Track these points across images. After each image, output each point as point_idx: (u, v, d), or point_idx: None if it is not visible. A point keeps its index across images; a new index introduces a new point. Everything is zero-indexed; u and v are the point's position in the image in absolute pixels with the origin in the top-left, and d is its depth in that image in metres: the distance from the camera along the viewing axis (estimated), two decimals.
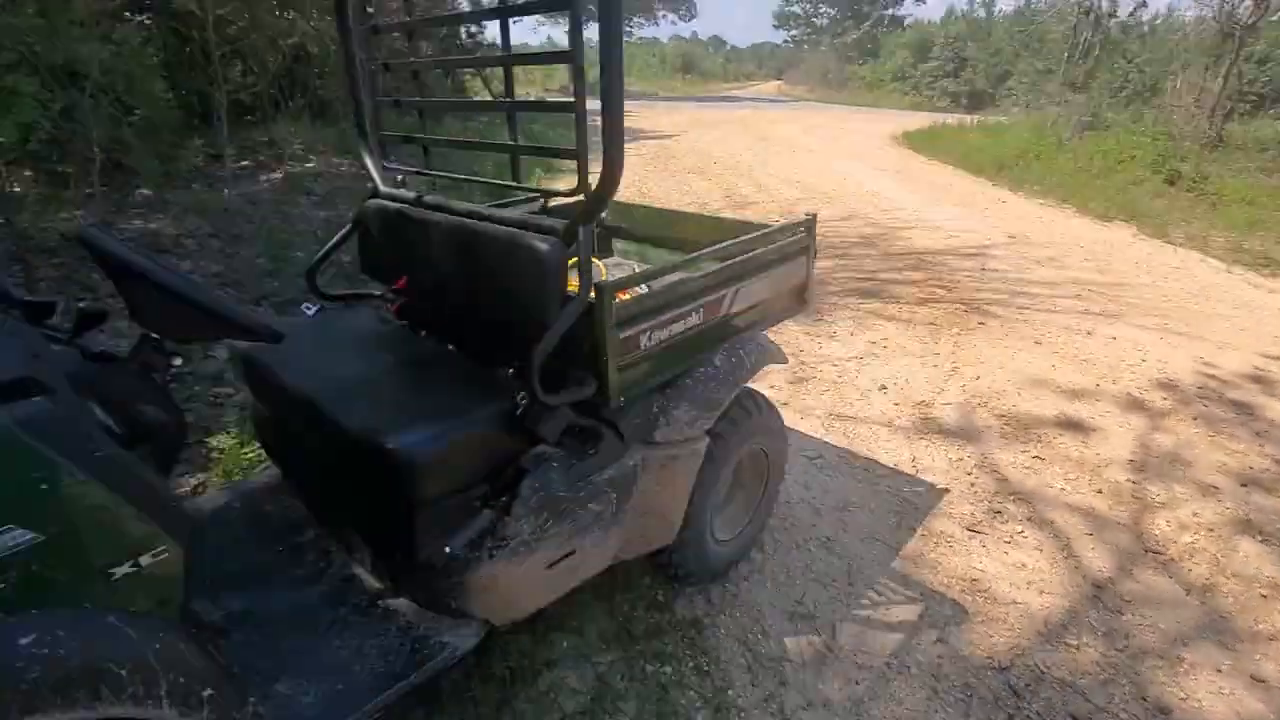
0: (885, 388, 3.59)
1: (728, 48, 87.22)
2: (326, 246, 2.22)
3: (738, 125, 16.99)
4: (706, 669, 1.92)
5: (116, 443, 1.03)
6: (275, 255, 5.26)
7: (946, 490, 2.75)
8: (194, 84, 7.72)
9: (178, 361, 1.28)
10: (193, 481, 2.70)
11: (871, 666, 1.95)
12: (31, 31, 4.48)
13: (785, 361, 2.14)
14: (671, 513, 1.85)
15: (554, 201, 2.38)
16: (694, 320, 1.79)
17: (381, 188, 2.11)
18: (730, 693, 1.86)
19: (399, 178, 2.14)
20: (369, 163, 2.14)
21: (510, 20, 1.61)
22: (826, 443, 3.07)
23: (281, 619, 1.56)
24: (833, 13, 44.44)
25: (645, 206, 2.69)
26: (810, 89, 38.79)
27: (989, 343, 4.16)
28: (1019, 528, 2.55)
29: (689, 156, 11.44)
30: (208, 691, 0.99)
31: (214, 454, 2.83)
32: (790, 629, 2.07)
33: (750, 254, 1.95)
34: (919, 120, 16.60)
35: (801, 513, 2.59)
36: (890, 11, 42.06)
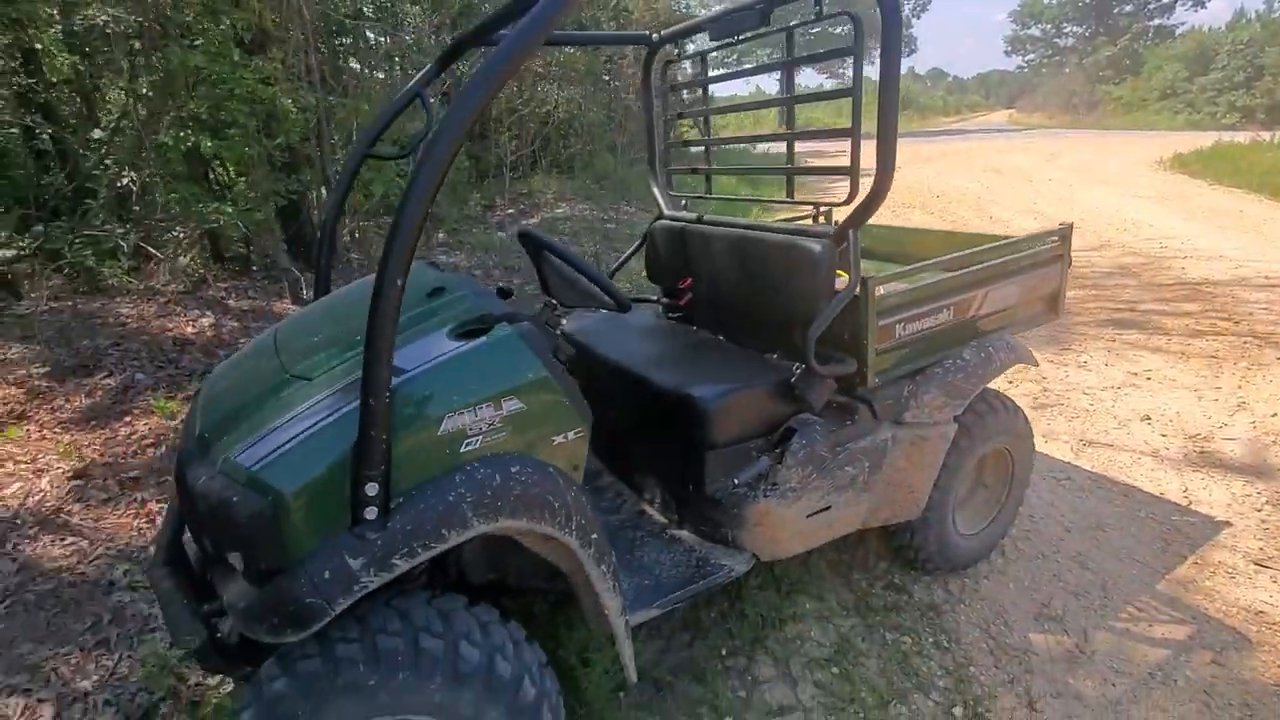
0: (1149, 419, 3.31)
1: (949, 79, 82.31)
2: (622, 258, 2.79)
3: (961, 158, 16.06)
4: (946, 646, 2.04)
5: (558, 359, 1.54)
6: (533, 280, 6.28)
7: (1228, 524, 2.51)
8: (473, 149, 9.44)
9: (565, 323, 1.81)
10: None
11: (1130, 674, 1.91)
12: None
13: (1035, 364, 2.21)
14: (917, 489, 2.03)
15: (804, 222, 2.71)
16: (945, 317, 1.99)
17: (666, 211, 2.61)
18: (972, 669, 1.96)
19: (683, 202, 2.63)
20: (656, 192, 2.67)
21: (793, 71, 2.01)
22: (1076, 466, 2.95)
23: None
24: (1080, 30, 39.97)
25: (882, 226, 2.91)
26: (1049, 115, 35.14)
27: None
28: None
29: (909, 191, 11.15)
30: (594, 535, 1.44)
31: None
32: (1036, 627, 2.10)
33: (1001, 259, 2.10)
34: (1196, 140, 14.30)
35: (1048, 528, 2.56)
36: (1156, 22, 36.74)
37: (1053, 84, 40.74)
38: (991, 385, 2.25)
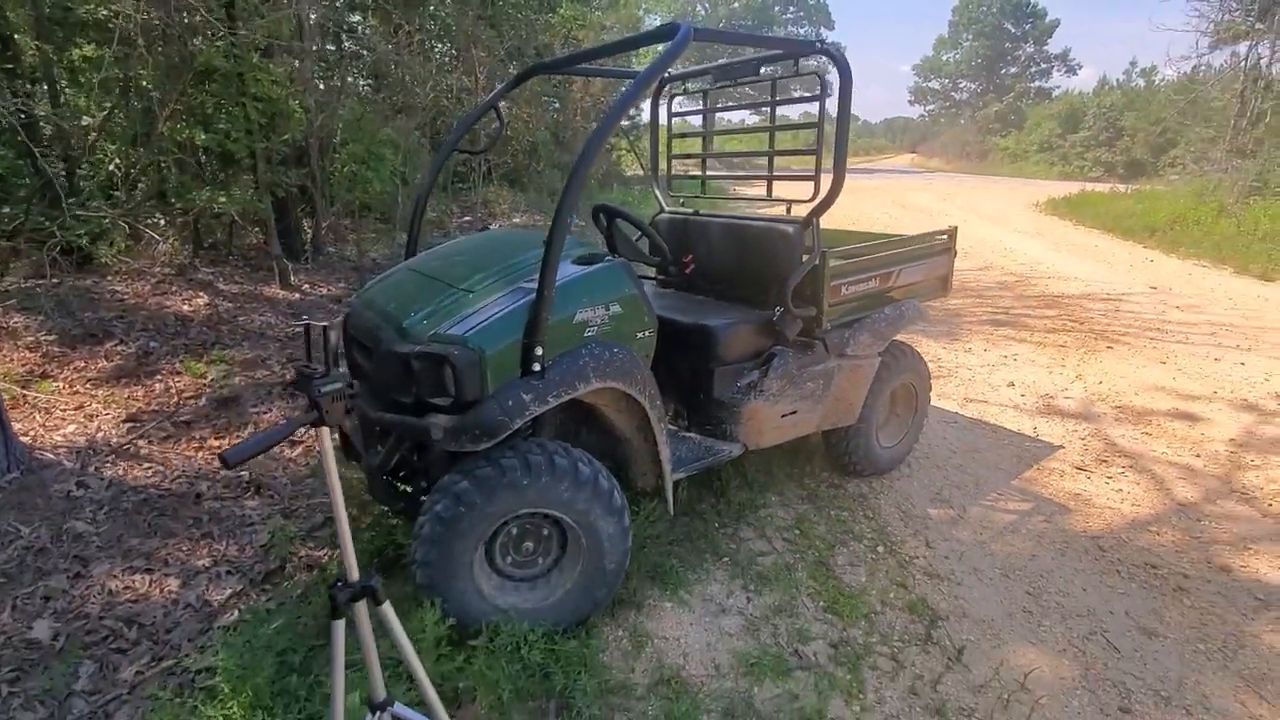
0: (1013, 384, 4.36)
1: (859, 123, 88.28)
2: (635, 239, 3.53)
3: (871, 194, 17.88)
4: (871, 517, 2.88)
5: None
6: None
7: (1061, 447, 3.51)
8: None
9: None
10: None
11: (990, 528, 2.81)
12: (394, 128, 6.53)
13: (928, 321, 3.13)
14: (855, 402, 2.87)
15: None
16: (874, 284, 2.86)
17: (665, 208, 3.39)
18: (889, 528, 2.80)
19: (680, 200, 3.42)
20: (657, 192, 3.45)
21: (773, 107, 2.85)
22: (960, 414, 3.92)
23: None
24: (973, 87, 44.51)
25: (837, 229, 3.80)
26: (946, 161, 38.81)
27: (1114, 360, 4.78)
28: (1121, 470, 3.27)
29: (827, 219, 12.46)
30: (658, 401, 2.16)
31: None
32: (931, 505, 2.98)
33: (909, 248, 3.01)
34: (1066, 189, 16.65)
35: (940, 450, 3.48)
36: (1036, 84, 41.50)
37: (950, 133, 44.99)
38: (904, 340, 3.15)
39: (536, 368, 1.88)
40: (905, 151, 57.79)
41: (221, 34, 4.88)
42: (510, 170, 12.84)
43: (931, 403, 3.93)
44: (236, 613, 2.27)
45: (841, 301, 2.76)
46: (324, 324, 1.40)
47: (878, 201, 15.61)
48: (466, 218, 10.79)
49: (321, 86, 6.17)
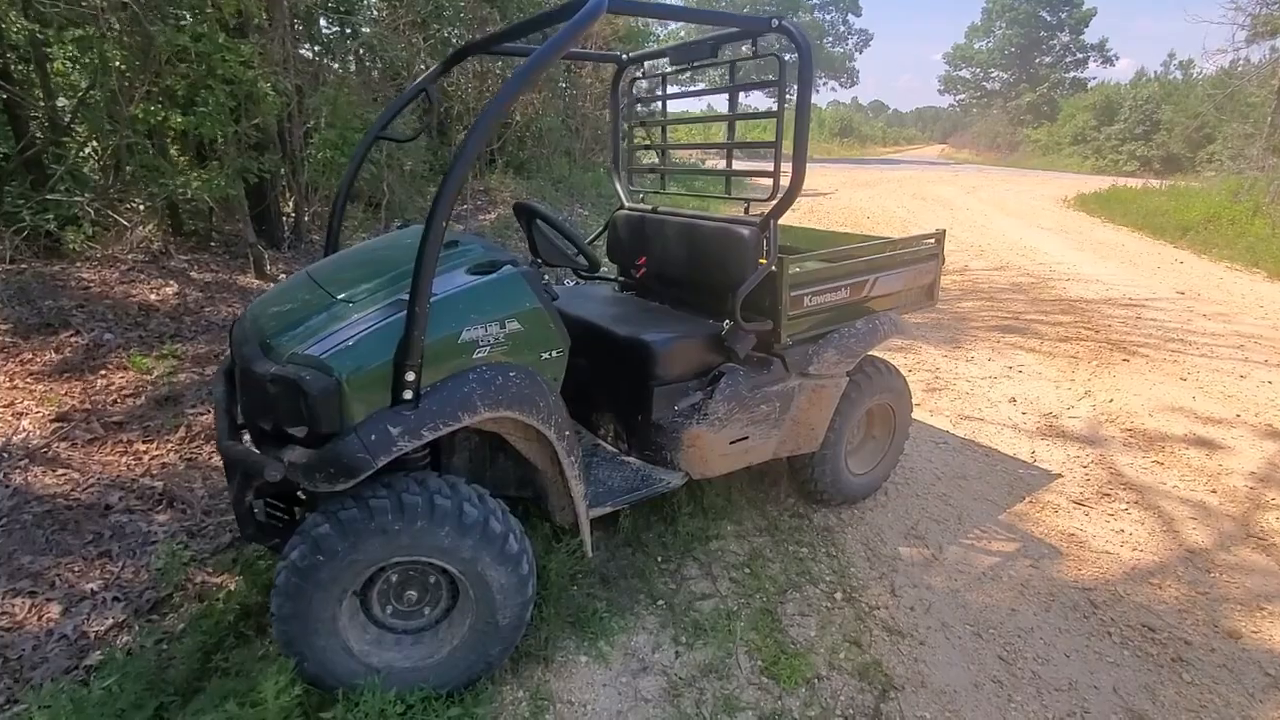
0: (1015, 400, 4.00)
1: (889, 111, 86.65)
2: (591, 238, 3.25)
3: (893, 185, 17.31)
4: (834, 555, 2.57)
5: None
6: None
7: (1060, 476, 3.17)
8: (433, 145, 9.70)
9: (545, 277, 2.25)
10: None
11: (969, 573, 2.49)
12: (364, 105, 6.29)
13: (913, 337, 2.80)
14: (817, 427, 2.56)
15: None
16: (844, 294, 2.54)
17: (626, 203, 3.10)
18: (852, 569, 2.49)
19: (640, 196, 3.12)
20: (618, 187, 3.15)
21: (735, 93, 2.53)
22: (952, 434, 3.58)
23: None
24: (1005, 76, 43.13)
25: (806, 228, 3.48)
26: (976, 152, 37.74)
27: (1129, 375, 4.39)
28: (1125, 507, 2.92)
29: (842, 212, 12.06)
30: (568, 432, 1.88)
31: None
32: (904, 542, 2.66)
33: (887, 254, 2.67)
34: (1097, 184, 15.93)
35: (923, 475, 3.15)
36: (1071, 74, 40.07)
37: (980, 124, 43.74)
38: (883, 356, 2.83)
39: (408, 395, 1.61)
40: (935, 142, 56.53)
41: (184, 13, 4.66)
42: (515, 157, 12.56)
43: (923, 419, 3.61)
44: (100, 652, 2.04)
45: (804, 314, 2.45)
46: None
47: (897, 194, 15.08)
48: (465, 205, 10.57)
49: (300, 65, 5.92)
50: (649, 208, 2.94)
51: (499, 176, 11.36)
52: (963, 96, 48.39)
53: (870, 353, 2.66)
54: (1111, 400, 4.00)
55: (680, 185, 9.63)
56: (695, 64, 2.55)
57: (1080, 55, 40.53)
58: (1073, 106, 32.15)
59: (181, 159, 5.76)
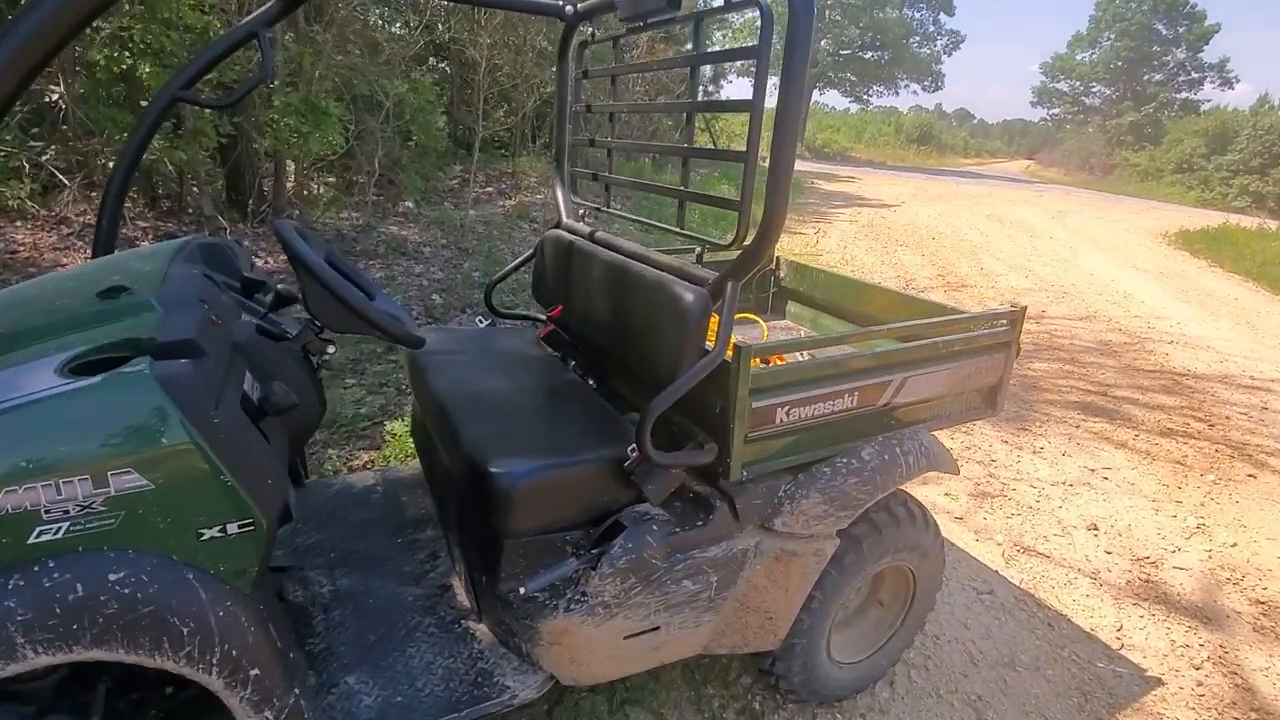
0: (1097, 528, 2.93)
1: (974, 121, 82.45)
2: (507, 268, 2.37)
3: (968, 201, 15.76)
4: None
5: (250, 413, 1.12)
6: (488, 271, 5.83)
7: (1160, 682, 2.12)
8: (468, 120, 8.94)
9: (331, 350, 1.40)
10: (366, 457, 3.01)
11: None
12: (346, 68, 5.54)
13: (955, 471, 1.81)
14: (778, 615, 1.62)
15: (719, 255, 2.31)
16: (846, 403, 1.58)
17: (565, 219, 2.20)
18: None
19: (580, 212, 2.21)
20: (559, 194, 2.26)
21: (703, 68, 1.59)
22: (1003, 578, 2.56)
23: (377, 610, 1.62)
24: (1108, 92, 39.81)
25: (828, 271, 2.51)
26: (1065, 172, 35.03)
27: (1258, 503, 3.24)
28: None
29: (905, 229, 10.80)
30: (254, 671, 1.02)
31: (389, 436, 3.13)
32: None
33: (931, 340, 1.69)
34: (1204, 219, 14.07)
35: (952, 656, 2.16)
36: (1183, 95, 36.64)
37: (1073, 141, 40.63)
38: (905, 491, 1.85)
39: None
40: (1021, 157, 53.27)
41: None
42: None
43: (965, 545, 2.62)
44: None
45: (774, 434, 1.51)
46: None
47: (971, 213, 13.61)
48: (489, 188, 9.82)
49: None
50: (586, 231, 2.04)
51: (530, 159, 10.56)
52: (1057, 111, 45.05)
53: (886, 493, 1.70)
54: (1234, 545, 2.88)
55: (633, 202, 8.37)
56: (651, 21, 1.62)
57: (1196, 75, 36.91)
58: (1181, 130, 29.26)
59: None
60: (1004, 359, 1.88)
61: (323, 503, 2.04)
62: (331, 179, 7.20)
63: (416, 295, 5.18)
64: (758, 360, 1.44)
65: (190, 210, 5.75)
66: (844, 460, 1.60)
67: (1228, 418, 4.21)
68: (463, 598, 1.68)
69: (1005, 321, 1.85)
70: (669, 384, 1.35)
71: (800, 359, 1.64)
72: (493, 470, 1.34)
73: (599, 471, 1.43)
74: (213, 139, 4.87)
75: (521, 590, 1.33)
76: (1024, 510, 3.04)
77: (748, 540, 1.54)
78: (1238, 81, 37.96)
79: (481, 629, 1.58)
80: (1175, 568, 2.71)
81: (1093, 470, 3.44)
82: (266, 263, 5.32)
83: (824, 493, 1.56)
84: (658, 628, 1.48)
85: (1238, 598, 2.55)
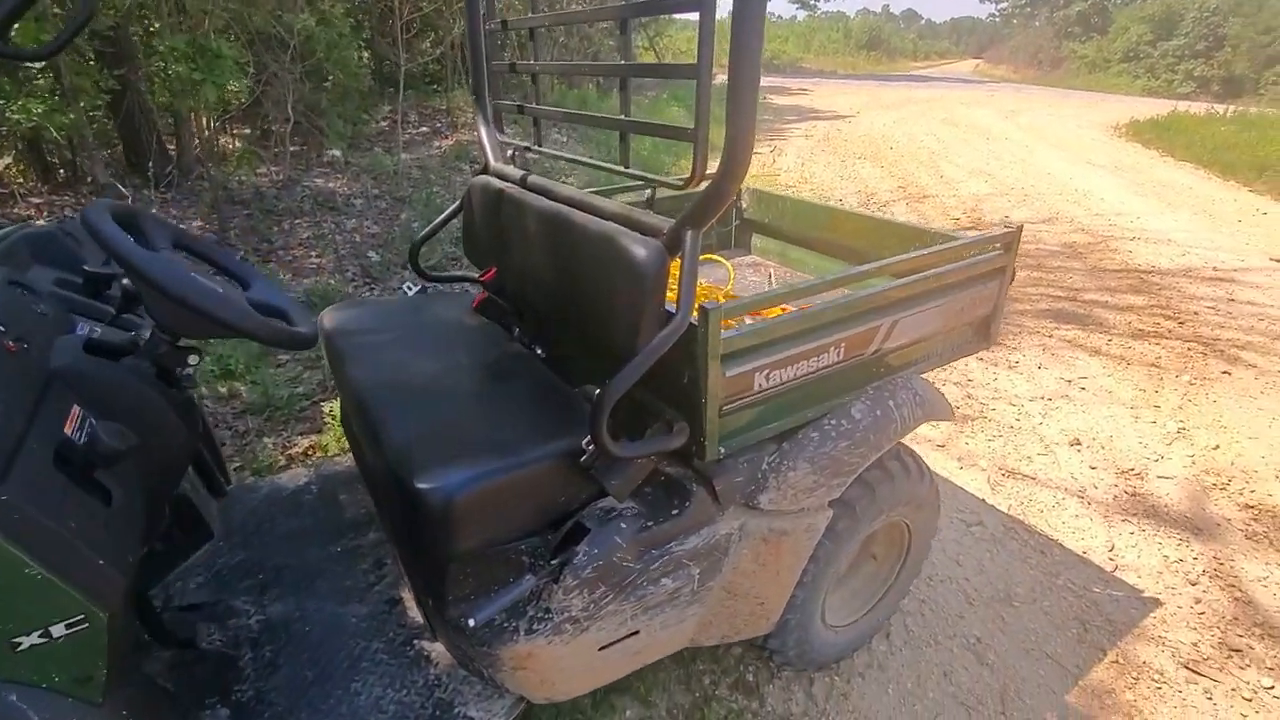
0: (1079, 443, 2.86)
1: (922, 22, 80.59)
2: (433, 224, 2.06)
3: (922, 106, 15.40)
4: None
5: (76, 465, 0.86)
6: (428, 220, 5.40)
7: (1158, 602, 2.07)
8: (393, 53, 8.15)
9: (194, 361, 1.12)
10: (305, 443, 2.74)
11: None
12: (239, 1, 4.88)
13: (950, 417, 1.64)
14: (770, 599, 1.46)
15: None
16: (832, 357, 1.37)
17: (493, 163, 1.88)
18: None
19: (509, 153, 1.90)
20: (483, 134, 1.93)
21: None
22: (991, 506, 2.47)
23: (315, 639, 1.41)
24: None
25: (797, 199, 2.26)
26: (1014, 69, 34.61)
27: (1236, 400, 3.21)
28: (1268, 680, 1.84)
29: (862, 140, 10.48)
30: None
31: (329, 418, 2.86)
32: None
33: (924, 274, 1.48)
34: (1153, 108, 14.00)
35: (947, 597, 2.07)
36: None
37: (1021, 36, 40.00)
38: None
39: None
40: (969, 57, 52.46)
41: None
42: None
43: (949, 473, 2.52)
44: None
45: (753, 402, 1.30)
46: None
47: (926, 118, 13.29)
48: (423, 128, 9.12)
49: None
50: (517, 175, 1.74)
51: (465, 93, 9.80)
52: (1005, 5, 44.14)
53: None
54: (1217, 447, 2.85)
55: (579, 135, 7.41)
56: None
57: None
58: (1127, 18, 28.90)
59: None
60: (998, 286, 1.68)
61: (248, 512, 1.79)
62: (247, 131, 6.55)
63: (350, 253, 4.77)
64: (729, 321, 1.21)
65: (90, 180, 5.15)
66: (832, 422, 1.41)
67: (1196, 313, 4.17)
68: (414, 612, 1.48)
69: (999, 246, 1.65)
70: (626, 355, 1.12)
71: (779, 314, 1.41)
72: (420, 486, 1.11)
73: (551, 469, 1.21)
74: (95, 95, 4.27)
75: (470, 622, 1.13)
76: (1005, 431, 2.95)
77: (731, 524, 1.35)
78: None
79: (438, 648, 1.39)
80: (1160, 477, 2.66)
81: (1069, 381, 3.36)
82: (184, 227, 4.82)
83: (813, 461, 1.37)
84: (636, 632, 1.31)
85: (1226, 504, 2.51)
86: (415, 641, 1.41)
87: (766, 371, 1.27)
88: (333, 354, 1.66)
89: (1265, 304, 4.35)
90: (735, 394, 1.24)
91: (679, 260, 1.13)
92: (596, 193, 1.95)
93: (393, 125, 8.09)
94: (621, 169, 1.38)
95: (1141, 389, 3.29)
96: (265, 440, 2.72)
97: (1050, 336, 3.85)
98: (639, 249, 1.18)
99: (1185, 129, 11.48)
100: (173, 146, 5.55)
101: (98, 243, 0.94)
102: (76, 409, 0.90)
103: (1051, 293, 4.51)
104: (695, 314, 1.14)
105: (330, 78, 6.83)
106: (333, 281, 4.12)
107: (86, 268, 1.25)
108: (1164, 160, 9.78)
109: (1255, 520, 2.42)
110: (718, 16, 1.06)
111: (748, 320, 1.34)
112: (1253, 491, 2.56)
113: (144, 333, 1.08)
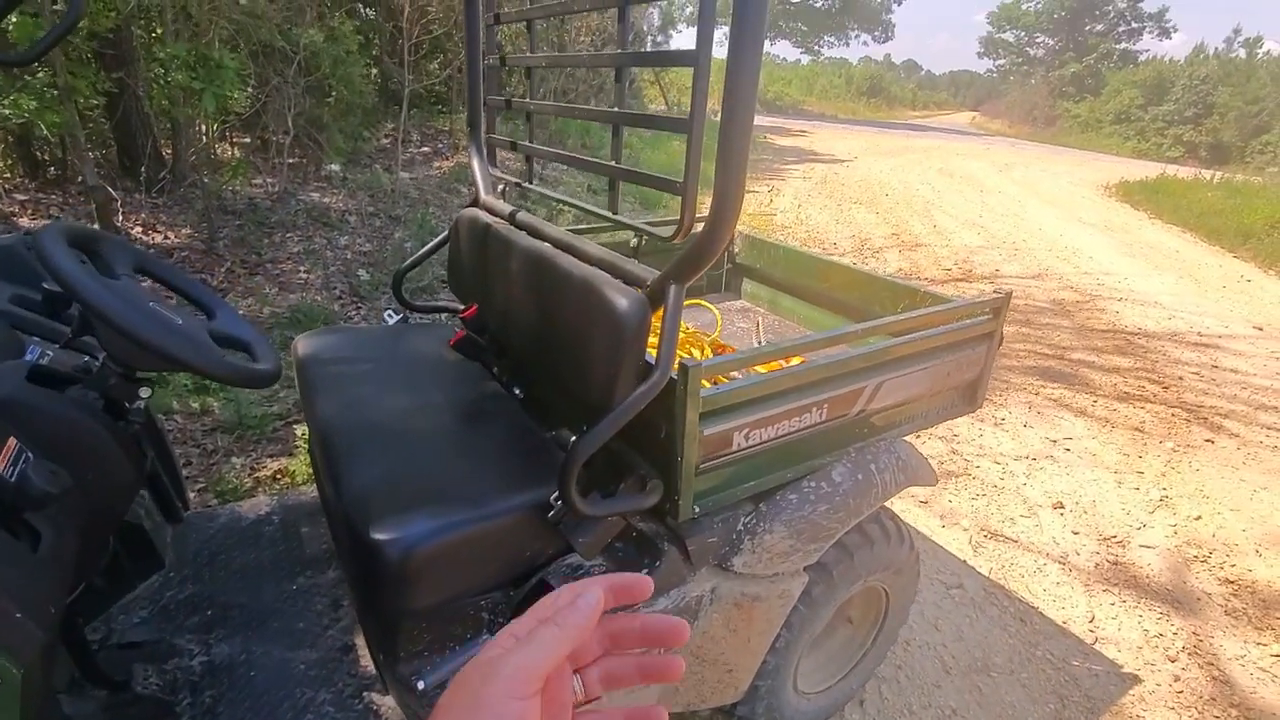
0: (1063, 506, 2.84)
1: (922, 73, 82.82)
2: (417, 255, 2.04)
3: (919, 155, 15.71)
4: None
5: (14, 504, 0.81)
6: (422, 241, 5.39)
7: (1136, 679, 2.02)
8: (398, 72, 8.22)
9: (145, 394, 1.07)
10: (274, 466, 2.66)
11: None
12: (245, 12, 4.91)
13: (933, 483, 1.61)
14: (740, 666, 1.41)
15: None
16: (814, 417, 1.34)
17: (483, 196, 1.87)
18: None
19: (500, 187, 1.88)
20: (475, 166, 1.92)
21: (630, 16, 1.26)
22: (972, 568, 2.43)
23: (260, 686, 1.33)
24: (1051, 43, 40.22)
25: (789, 247, 2.25)
26: (1009, 124, 35.47)
27: (1218, 470, 3.20)
28: None
29: (859, 185, 10.64)
30: None
31: (301, 440, 2.79)
32: None
33: (911, 337, 1.46)
34: (1142, 169, 14.36)
35: (924, 664, 2.01)
36: (1123, 45, 37.29)
37: (1017, 93, 41.13)
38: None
39: None
40: (967, 109, 53.80)
41: None
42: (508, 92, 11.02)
43: (931, 533, 2.47)
44: None
45: (732, 460, 1.26)
46: None
47: (922, 167, 13.54)
48: (425, 147, 9.17)
49: None
50: (505, 211, 1.72)
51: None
52: (1003, 62, 45.45)
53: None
54: (1199, 517, 2.83)
55: (566, 165, 7.77)
56: None
57: (1135, 25, 37.58)
58: (1120, 81, 29.83)
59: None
60: (986, 351, 1.67)
61: (204, 541, 1.72)
62: (247, 140, 6.54)
63: (340, 270, 4.74)
64: (709, 381, 1.17)
65: (80, 180, 5.10)
66: (812, 484, 1.37)
67: (1180, 378, 4.20)
68: (367, 661, 1.41)
69: (989, 312, 1.63)
70: (602, 406, 1.08)
71: (762, 372, 1.38)
72: (376, 537, 1.06)
73: (518, 522, 1.16)
74: (90, 96, 4.25)
75: (421, 684, 1.07)
76: (989, 489, 2.92)
77: (702, 586, 1.30)
78: (1175, 31, 38.74)
79: (388, 703, 1.32)
80: (1141, 546, 2.63)
81: (1054, 441, 3.35)
82: (168, 238, 4.77)
83: (790, 524, 1.33)
84: (599, 697, 1.25)
85: (1206, 577, 2.48)
86: (365, 694, 1.34)
87: (746, 430, 1.24)
88: (304, 383, 1.61)
89: (1248, 372, 4.38)
90: (713, 452, 1.20)
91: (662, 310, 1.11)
92: (586, 230, 1.93)
93: (394, 143, 8.13)
94: (610, 215, 1.35)
95: (1125, 453, 3.28)
96: (234, 460, 2.64)
97: (1037, 394, 3.85)
98: (620, 299, 1.15)
99: (1173, 192, 11.76)
100: (169, 152, 5.53)
101: (45, 269, 0.89)
102: (13, 442, 0.85)
103: (1039, 349, 4.53)
104: (675, 369, 1.11)
105: (334, 93, 6.87)
106: (319, 299, 4.07)
107: (46, 285, 1.20)
108: (1152, 222, 9.98)
109: (1235, 595, 2.39)
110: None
111: (732, 376, 1.31)
112: (1233, 566, 2.53)
113: (96, 360, 1.03)
